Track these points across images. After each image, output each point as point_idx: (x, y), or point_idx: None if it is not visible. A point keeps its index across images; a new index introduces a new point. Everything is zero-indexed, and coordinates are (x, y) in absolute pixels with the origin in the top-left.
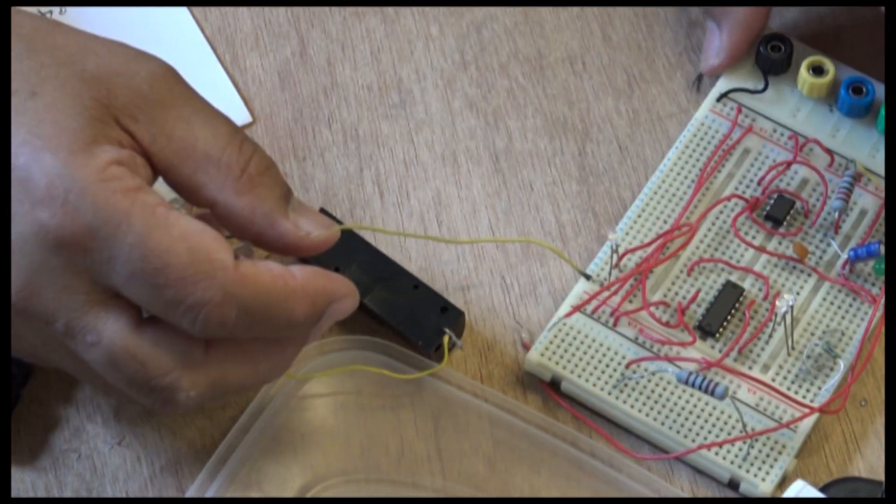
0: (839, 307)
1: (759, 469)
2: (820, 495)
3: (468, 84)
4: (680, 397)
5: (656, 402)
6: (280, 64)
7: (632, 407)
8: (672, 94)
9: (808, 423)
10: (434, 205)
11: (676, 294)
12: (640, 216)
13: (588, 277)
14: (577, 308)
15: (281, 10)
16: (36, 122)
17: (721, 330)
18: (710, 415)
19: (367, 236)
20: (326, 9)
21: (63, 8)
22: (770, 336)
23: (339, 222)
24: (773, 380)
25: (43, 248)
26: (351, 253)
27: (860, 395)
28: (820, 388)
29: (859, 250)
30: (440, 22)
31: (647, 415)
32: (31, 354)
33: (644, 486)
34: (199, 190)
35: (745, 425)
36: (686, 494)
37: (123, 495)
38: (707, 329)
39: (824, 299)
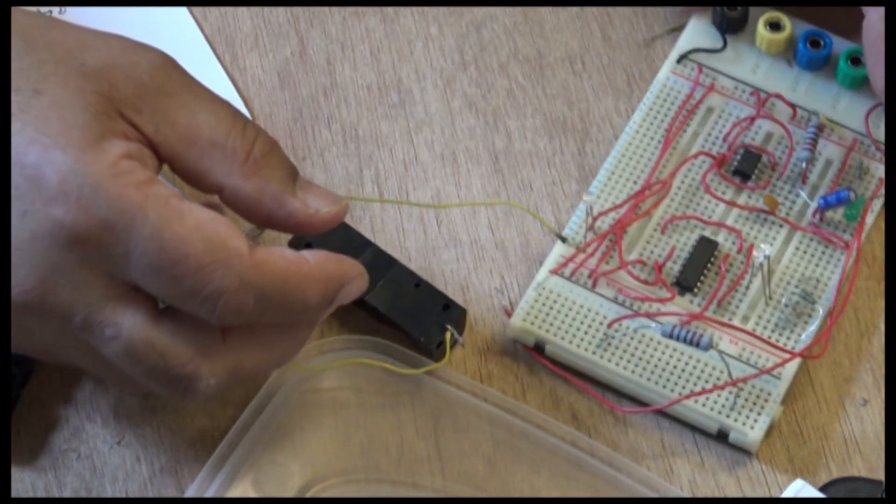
0: (812, 255)
1: (748, 417)
2: (820, 495)
3: (468, 84)
4: (664, 353)
5: (640, 358)
6: (280, 64)
7: (617, 365)
8: None
9: (791, 368)
10: (434, 204)
11: (652, 252)
12: (610, 178)
13: (564, 240)
14: (558, 269)
15: (281, 10)
16: (42, 121)
17: (699, 284)
18: (695, 367)
19: (369, 235)
20: (326, 9)
21: (63, 8)
22: (747, 288)
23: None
24: (754, 329)
25: (58, 245)
26: (352, 250)
27: (860, 393)
28: (800, 335)
29: (829, 198)
30: (440, 22)
31: (633, 371)
32: (45, 352)
33: (644, 485)
34: (206, 176)
35: (731, 375)
36: (686, 494)
37: (123, 495)
38: (685, 284)
39: (797, 248)
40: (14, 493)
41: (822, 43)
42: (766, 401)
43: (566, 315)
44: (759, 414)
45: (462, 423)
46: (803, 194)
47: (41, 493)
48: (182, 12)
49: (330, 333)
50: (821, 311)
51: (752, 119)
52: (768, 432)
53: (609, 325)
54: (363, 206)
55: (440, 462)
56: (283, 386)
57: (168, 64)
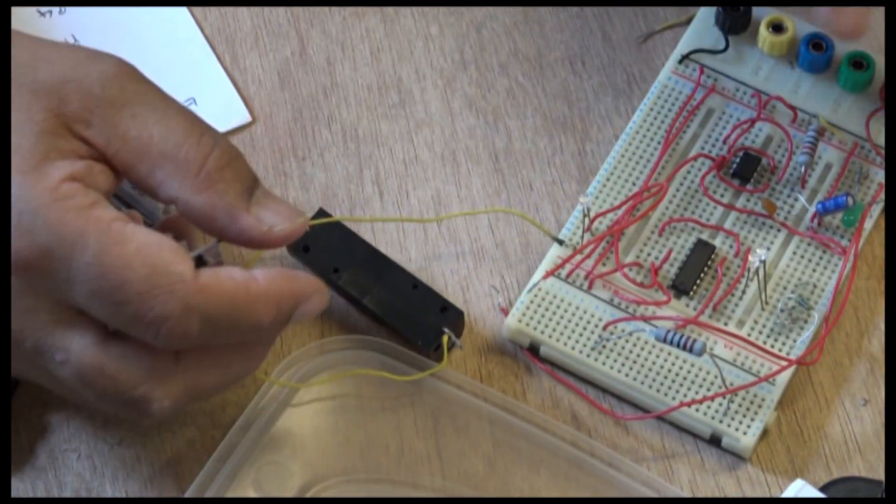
0: (810, 260)
1: (741, 423)
2: (820, 495)
3: (468, 84)
4: (658, 356)
5: (635, 361)
6: (280, 64)
7: (611, 368)
8: None
9: (785, 375)
10: (434, 204)
11: (649, 255)
12: (609, 179)
13: (561, 242)
14: (553, 271)
15: (281, 10)
16: None
17: (695, 288)
18: (689, 372)
19: (367, 236)
20: (326, 9)
21: (63, 8)
22: (743, 292)
23: (329, 215)
24: (749, 334)
25: None
26: (350, 253)
27: (860, 393)
28: (795, 341)
29: (827, 203)
30: (440, 21)
31: (627, 375)
32: (15, 371)
33: (644, 485)
34: (159, 188)
35: (724, 380)
36: (686, 494)
37: (123, 495)
38: (681, 287)
39: (794, 253)
40: (14, 493)
41: (824, 45)
42: (759, 407)
43: (561, 317)
44: (752, 420)
45: (462, 423)
46: (802, 198)
47: (41, 494)
48: (182, 12)
49: (330, 333)
50: (817, 317)
51: (753, 122)
52: (764, 435)
53: (604, 328)
54: (363, 206)
55: (440, 462)
56: (282, 387)
57: (123, 74)
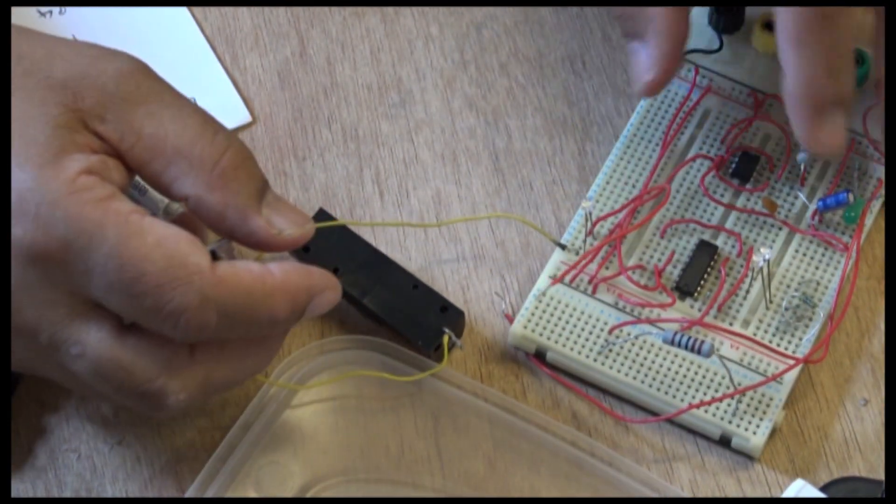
0: (812, 257)
1: (749, 423)
2: (820, 495)
3: (468, 84)
4: (665, 358)
5: (642, 364)
6: (280, 64)
7: (618, 372)
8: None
9: (793, 374)
10: (434, 204)
11: (651, 257)
12: (608, 182)
13: (563, 247)
14: (559, 279)
15: (281, 10)
16: None
17: (699, 289)
18: (696, 373)
19: (367, 236)
20: (326, 9)
21: (63, 8)
22: (747, 291)
23: (334, 218)
24: (755, 334)
25: (19, 265)
26: (351, 253)
27: (860, 393)
28: (801, 339)
29: (828, 200)
30: (440, 21)
31: (635, 378)
32: (26, 367)
33: (644, 485)
34: (172, 185)
35: (732, 381)
36: (686, 494)
37: (123, 495)
38: (685, 289)
39: (797, 251)
40: (14, 493)
41: None
42: (767, 406)
43: (567, 322)
44: (761, 419)
45: (462, 423)
46: (802, 196)
47: (41, 494)
48: (182, 12)
49: (330, 333)
50: (821, 315)
51: (750, 121)
52: (773, 434)
53: (610, 332)
54: (363, 205)
55: (440, 462)
56: (283, 387)
57: (138, 71)
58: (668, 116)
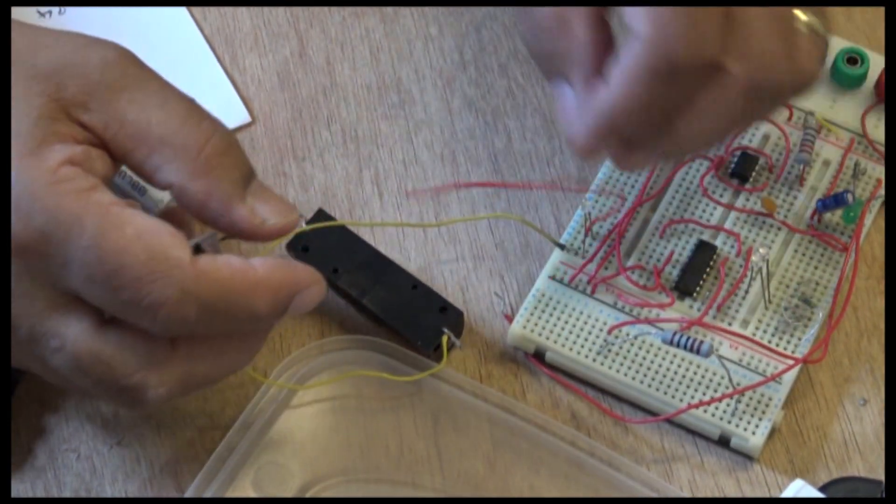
0: (811, 258)
1: (749, 423)
2: (820, 495)
3: (467, 84)
4: (664, 358)
5: (641, 364)
6: (279, 64)
7: (617, 372)
8: None
9: (792, 374)
10: (433, 204)
11: (651, 257)
12: (608, 183)
13: (563, 247)
14: (571, 280)
15: (280, 10)
16: None
17: (698, 289)
18: (695, 373)
19: (367, 237)
20: (326, 9)
21: (62, 8)
22: (746, 291)
23: (333, 219)
24: (754, 334)
25: None
26: (350, 253)
27: (860, 393)
28: (800, 339)
29: (827, 200)
30: (439, 22)
31: (634, 378)
32: (13, 362)
33: (644, 485)
34: (156, 173)
35: (731, 381)
36: (685, 494)
37: (123, 495)
38: (684, 289)
39: (796, 251)
40: (14, 493)
41: None
42: (766, 406)
43: (566, 322)
44: (760, 419)
45: (462, 423)
46: (801, 196)
47: (41, 494)
48: (182, 12)
49: (330, 333)
50: (820, 315)
51: None
52: (772, 434)
53: (609, 332)
54: (363, 206)
55: (440, 462)
56: (282, 387)
57: (122, 59)
58: None
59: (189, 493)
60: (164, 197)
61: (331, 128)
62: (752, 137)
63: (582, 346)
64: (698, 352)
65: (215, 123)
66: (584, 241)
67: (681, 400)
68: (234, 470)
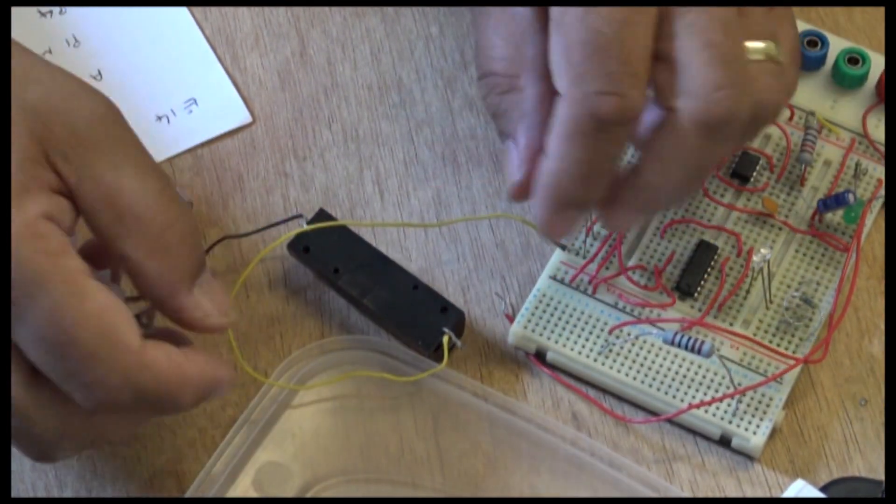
0: (812, 258)
1: (749, 423)
2: (820, 495)
3: (468, 84)
4: (665, 358)
5: (642, 364)
6: (280, 64)
7: (618, 372)
8: None
9: (793, 374)
10: (434, 204)
11: (652, 257)
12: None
13: (563, 247)
14: (573, 279)
15: (281, 10)
16: None
17: (699, 289)
18: (696, 373)
19: (368, 237)
20: (326, 9)
21: (63, 8)
22: (747, 292)
23: (334, 219)
24: (755, 334)
25: None
26: (351, 253)
27: (860, 393)
28: (801, 339)
29: (828, 201)
30: (440, 22)
31: (635, 378)
32: None
33: (644, 485)
34: (114, 240)
35: (732, 381)
36: (686, 494)
37: (123, 495)
38: (685, 289)
39: (797, 251)
40: (14, 493)
41: (819, 43)
42: (768, 406)
43: (567, 322)
44: (761, 419)
45: (462, 423)
46: (802, 197)
47: (41, 494)
48: (182, 12)
49: (330, 334)
50: (821, 315)
51: None
52: (773, 434)
53: (610, 332)
54: (363, 206)
55: (440, 462)
56: (283, 387)
57: (110, 117)
58: None
59: (189, 493)
60: None
61: (332, 127)
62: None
63: (583, 347)
64: (699, 352)
65: (183, 207)
66: (585, 241)
67: (682, 400)
68: (235, 470)
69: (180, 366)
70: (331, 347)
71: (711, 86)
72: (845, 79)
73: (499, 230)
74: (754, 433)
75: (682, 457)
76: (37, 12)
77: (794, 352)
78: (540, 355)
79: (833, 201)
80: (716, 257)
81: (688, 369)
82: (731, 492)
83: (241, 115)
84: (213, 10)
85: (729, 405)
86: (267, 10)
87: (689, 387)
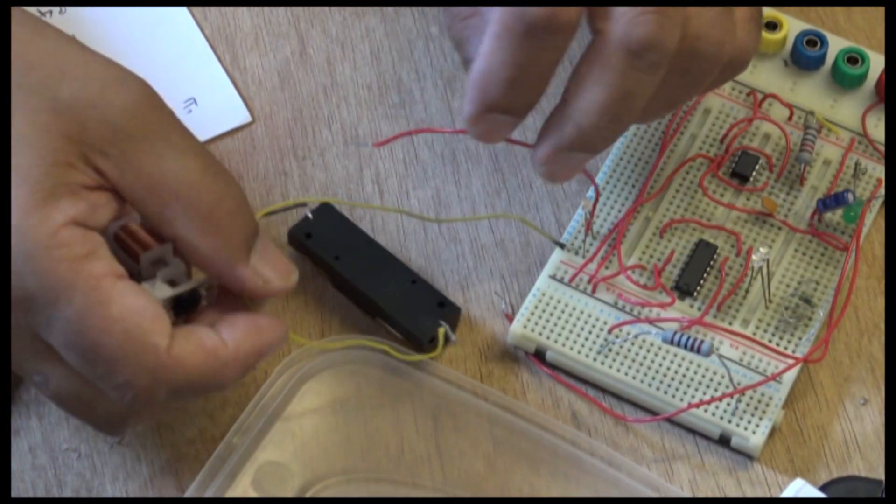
0: (812, 257)
1: (749, 422)
2: (820, 495)
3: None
4: (664, 358)
5: (642, 364)
6: (280, 64)
7: (618, 371)
8: None
9: (792, 373)
10: (434, 204)
11: (651, 256)
12: (608, 182)
13: (563, 247)
14: (572, 279)
15: (281, 10)
16: None
17: (698, 288)
18: (696, 373)
19: (368, 231)
20: (326, 8)
21: (63, 8)
22: (747, 291)
23: (339, 212)
24: (755, 333)
25: None
26: (351, 246)
27: (860, 393)
28: (801, 338)
29: (828, 200)
30: (440, 22)
31: (634, 377)
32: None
33: (644, 485)
34: (164, 224)
35: (732, 380)
36: (686, 494)
37: (123, 495)
38: (685, 289)
39: (796, 251)
40: (14, 493)
41: (818, 42)
42: (767, 405)
43: (566, 321)
44: (760, 419)
45: (462, 423)
46: (802, 196)
47: (41, 493)
48: (182, 12)
49: (330, 333)
50: (821, 315)
51: (750, 121)
52: (773, 434)
53: (609, 331)
54: (363, 205)
55: (440, 462)
56: (283, 386)
57: (146, 104)
58: (667, 116)
59: (189, 493)
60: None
61: (331, 127)
62: (753, 137)
63: (582, 346)
64: (699, 351)
65: (229, 181)
66: (584, 241)
67: (681, 399)
68: (234, 470)
69: (215, 352)
70: (330, 346)
71: (639, 10)
72: (845, 78)
73: (498, 229)
74: (754, 432)
75: (681, 456)
76: (36, 12)
77: (793, 351)
78: (539, 355)
79: (832, 201)
80: (715, 257)
81: (687, 369)
82: (731, 491)
83: (240, 115)
84: (213, 10)
85: (728, 404)
86: (267, 9)
87: (688, 386)
